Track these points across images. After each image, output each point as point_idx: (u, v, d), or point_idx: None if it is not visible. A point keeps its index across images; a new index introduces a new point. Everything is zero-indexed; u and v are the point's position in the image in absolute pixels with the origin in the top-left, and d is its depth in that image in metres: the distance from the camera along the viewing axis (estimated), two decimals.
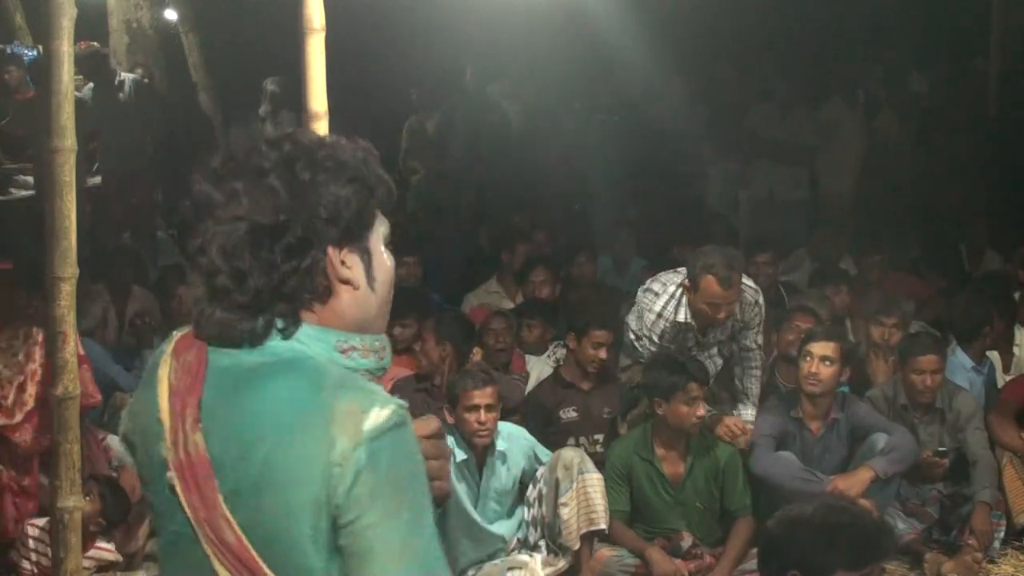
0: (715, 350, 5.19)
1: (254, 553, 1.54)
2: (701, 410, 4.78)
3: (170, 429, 1.60)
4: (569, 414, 5.34)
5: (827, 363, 4.94)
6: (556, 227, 8.14)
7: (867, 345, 5.91)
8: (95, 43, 10.41)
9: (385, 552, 1.52)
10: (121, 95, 9.61)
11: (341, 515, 1.52)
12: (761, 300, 5.13)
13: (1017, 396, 5.59)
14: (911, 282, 7.04)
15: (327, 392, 1.54)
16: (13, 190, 9.30)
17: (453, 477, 4.63)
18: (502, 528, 4.89)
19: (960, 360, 5.77)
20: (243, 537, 1.54)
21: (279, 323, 1.59)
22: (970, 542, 5.01)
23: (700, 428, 4.94)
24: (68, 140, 3.32)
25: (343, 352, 1.62)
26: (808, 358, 4.95)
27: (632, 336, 5.16)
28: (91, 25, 8.76)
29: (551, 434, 5.24)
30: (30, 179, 8.98)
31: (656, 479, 4.92)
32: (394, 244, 1.72)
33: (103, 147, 9.54)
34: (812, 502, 2.91)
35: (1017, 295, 6.43)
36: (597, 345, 5.33)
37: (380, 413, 1.53)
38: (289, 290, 1.58)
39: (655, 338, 5.02)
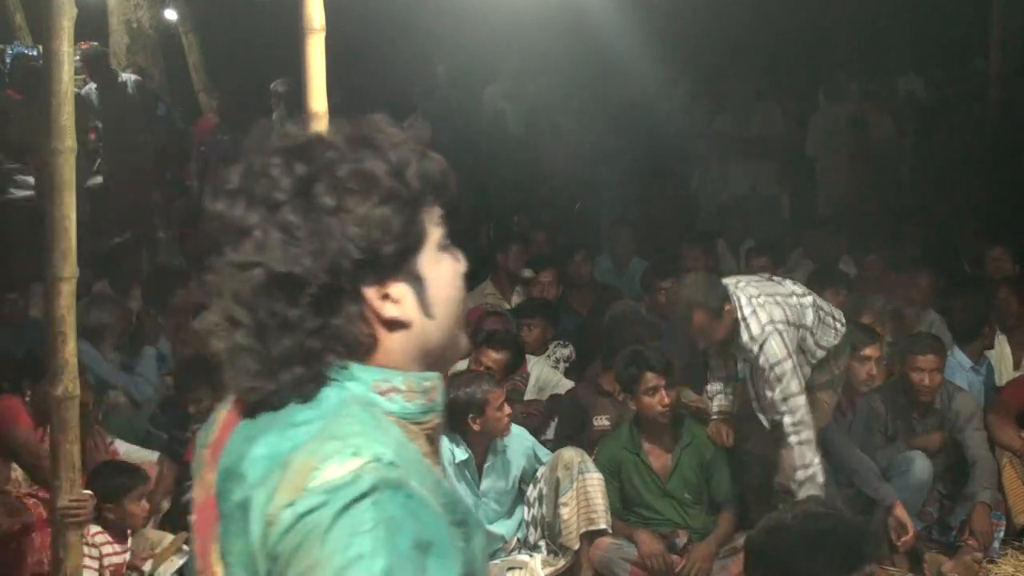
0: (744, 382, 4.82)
1: None
2: (666, 398, 4.82)
3: (203, 469, 1.42)
4: (602, 422, 5.31)
5: (877, 363, 5.18)
6: (556, 227, 8.14)
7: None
8: (96, 43, 10.43)
9: None
10: (125, 95, 9.63)
11: None
12: (759, 349, 4.47)
13: (1016, 397, 5.59)
14: (910, 282, 7.03)
15: (309, 441, 1.27)
16: (13, 190, 9.31)
17: (453, 477, 4.66)
18: (502, 528, 4.89)
19: (959, 360, 5.78)
20: None
21: (303, 388, 1.31)
22: (970, 542, 5.01)
23: (688, 419, 5.01)
24: (68, 140, 3.32)
25: (382, 394, 1.33)
26: (864, 362, 5.10)
27: None
28: (91, 25, 8.77)
29: (584, 440, 5.19)
30: (30, 179, 9.00)
31: (645, 473, 4.97)
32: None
33: (105, 146, 9.56)
34: (792, 509, 2.88)
35: None
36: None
37: (336, 469, 1.22)
38: (316, 351, 1.30)
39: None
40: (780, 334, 4.47)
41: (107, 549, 4.33)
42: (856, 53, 9.67)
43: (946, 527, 5.25)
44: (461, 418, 4.63)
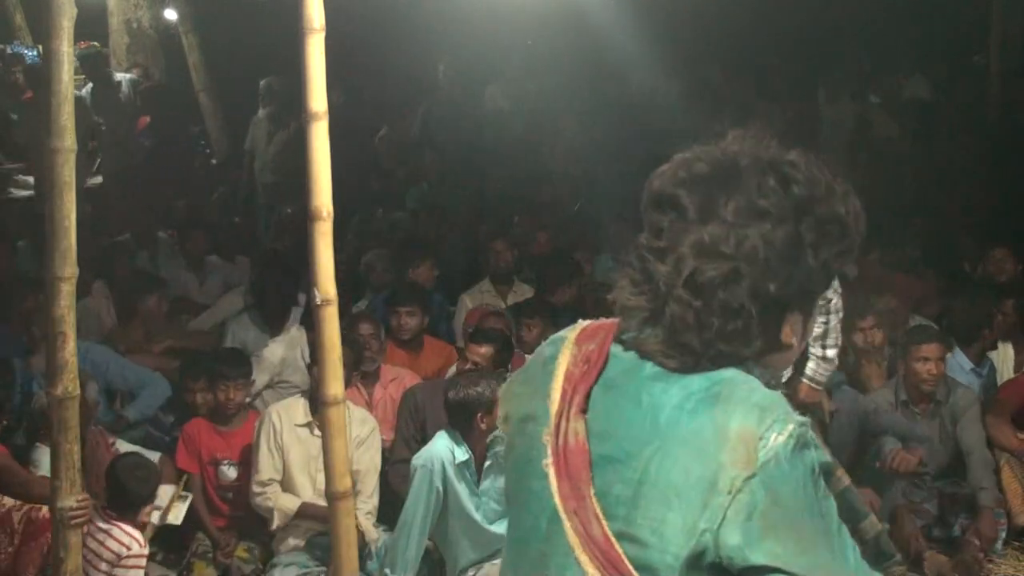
0: None
1: (621, 553, 1.46)
2: None
3: (555, 415, 1.54)
4: None
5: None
6: (557, 227, 8.14)
7: (855, 353, 5.81)
8: (95, 43, 10.44)
9: None
10: (120, 95, 9.64)
11: (731, 555, 1.40)
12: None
13: (1013, 397, 5.58)
14: (910, 282, 7.03)
15: (721, 407, 1.43)
16: (13, 190, 9.32)
17: (453, 477, 4.66)
18: (502, 528, 4.88)
19: (959, 361, 5.78)
20: (611, 536, 1.46)
21: (713, 363, 1.48)
22: (975, 542, 5.01)
23: None
24: (68, 140, 3.32)
25: None
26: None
27: None
28: (91, 25, 8.77)
29: None
30: (30, 179, 9.00)
31: None
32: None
33: (103, 147, 9.56)
34: None
35: None
36: None
37: (777, 438, 1.40)
38: (730, 345, 1.47)
39: None
40: None
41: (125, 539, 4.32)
42: (857, 53, 9.66)
43: (945, 524, 5.24)
44: (469, 417, 4.62)
